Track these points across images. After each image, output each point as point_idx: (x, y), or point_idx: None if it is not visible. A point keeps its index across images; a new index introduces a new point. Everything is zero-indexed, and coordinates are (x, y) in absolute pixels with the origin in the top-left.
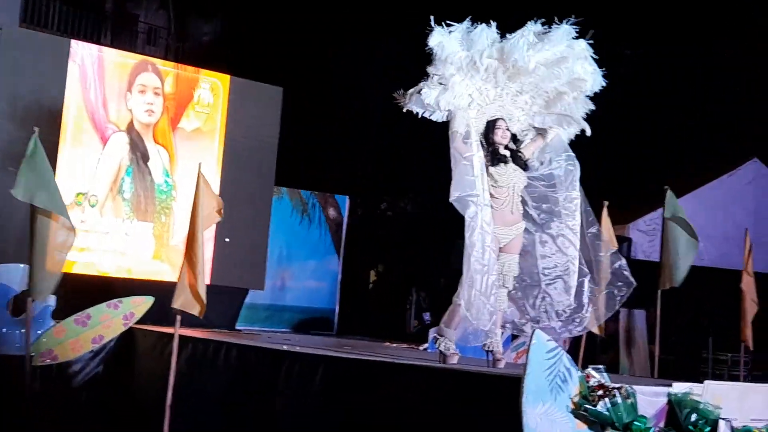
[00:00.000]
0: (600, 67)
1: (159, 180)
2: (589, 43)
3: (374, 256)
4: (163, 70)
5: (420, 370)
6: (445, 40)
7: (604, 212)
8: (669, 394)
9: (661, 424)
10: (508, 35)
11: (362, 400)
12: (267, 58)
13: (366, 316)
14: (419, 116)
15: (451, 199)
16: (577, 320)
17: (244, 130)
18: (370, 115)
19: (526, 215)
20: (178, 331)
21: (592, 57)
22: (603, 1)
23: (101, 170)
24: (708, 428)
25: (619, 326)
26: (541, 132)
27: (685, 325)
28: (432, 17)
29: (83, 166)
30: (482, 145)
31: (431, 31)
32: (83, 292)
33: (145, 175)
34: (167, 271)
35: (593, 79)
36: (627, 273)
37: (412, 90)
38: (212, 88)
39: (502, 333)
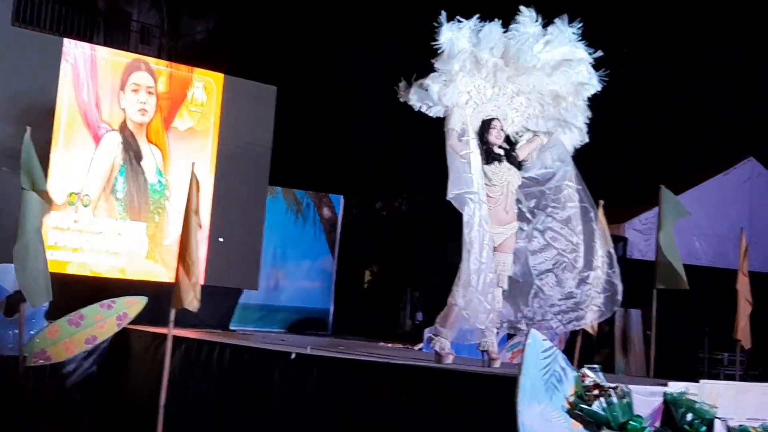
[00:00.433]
0: (597, 67)
1: (152, 180)
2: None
3: (369, 256)
4: (156, 69)
5: (415, 370)
6: (455, 37)
7: (600, 211)
8: (665, 394)
9: (657, 424)
10: (511, 32)
11: (357, 401)
12: (261, 57)
13: (361, 316)
14: (417, 110)
15: (449, 196)
16: (573, 315)
17: (238, 130)
18: (367, 115)
19: (520, 214)
20: (172, 331)
21: (591, 63)
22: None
23: (94, 170)
24: (704, 428)
25: (615, 326)
26: (537, 135)
27: (681, 324)
28: (444, 12)
29: (76, 166)
30: (477, 144)
31: (440, 26)
32: (76, 292)
33: (138, 175)
34: (161, 271)
35: (592, 84)
36: (616, 282)
37: (413, 83)
38: (206, 87)
39: (498, 333)
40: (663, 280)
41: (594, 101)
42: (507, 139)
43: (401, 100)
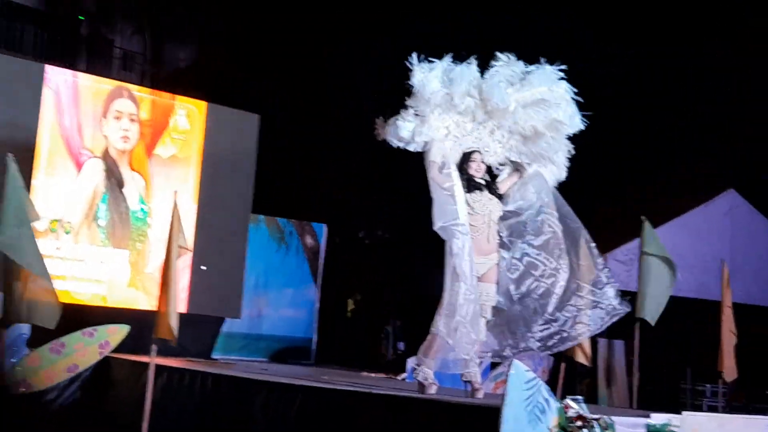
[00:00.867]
0: (577, 94)
1: (134, 207)
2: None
3: (352, 285)
4: (138, 97)
5: (398, 400)
6: (426, 78)
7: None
8: (647, 425)
9: None
10: (489, 69)
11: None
12: (244, 85)
13: (344, 345)
14: (395, 147)
15: (435, 227)
16: (556, 338)
17: (220, 157)
18: (350, 144)
19: (500, 243)
20: (154, 360)
21: (573, 99)
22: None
23: (76, 197)
24: None
25: (598, 356)
26: (518, 168)
27: (664, 355)
28: (414, 54)
29: (58, 193)
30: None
31: (412, 68)
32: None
33: (121, 202)
34: (143, 299)
35: (572, 122)
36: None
37: (389, 120)
38: (188, 115)
39: (481, 363)
40: (644, 310)
41: (578, 135)
42: (489, 170)
43: (378, 138)
